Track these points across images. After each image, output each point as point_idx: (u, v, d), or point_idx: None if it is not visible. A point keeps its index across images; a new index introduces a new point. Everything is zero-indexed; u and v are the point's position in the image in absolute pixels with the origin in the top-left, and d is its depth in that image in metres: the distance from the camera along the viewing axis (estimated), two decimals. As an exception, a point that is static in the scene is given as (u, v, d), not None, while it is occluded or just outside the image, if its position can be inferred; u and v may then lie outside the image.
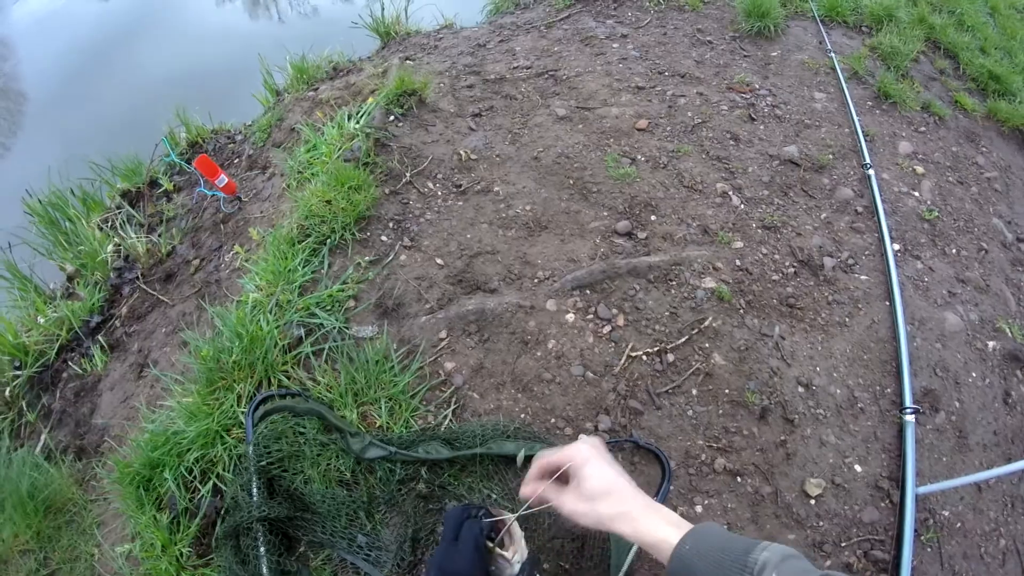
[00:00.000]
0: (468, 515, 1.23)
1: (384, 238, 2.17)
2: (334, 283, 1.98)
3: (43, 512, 1.97)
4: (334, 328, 1.86)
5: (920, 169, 2.86)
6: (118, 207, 3.04)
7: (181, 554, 1.58)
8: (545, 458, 1.08)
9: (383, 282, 2.02)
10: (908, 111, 3.18)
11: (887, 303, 2.22)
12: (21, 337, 2.52)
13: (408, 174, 2.39)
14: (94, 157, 3.29)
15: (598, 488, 1.00)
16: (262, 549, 1.45)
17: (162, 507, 1.68)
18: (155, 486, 1.69)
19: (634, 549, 1.50)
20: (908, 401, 1.93)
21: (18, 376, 2.44)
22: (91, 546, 1.85)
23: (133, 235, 2.76)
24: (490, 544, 1.17)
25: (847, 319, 2.16)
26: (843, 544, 1.65)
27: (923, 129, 3.13)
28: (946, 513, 1.78)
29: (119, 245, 2.78)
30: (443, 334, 1.89)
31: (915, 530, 1.67)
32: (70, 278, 2.91)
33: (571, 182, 2.47)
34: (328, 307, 1.92)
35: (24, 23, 6.68)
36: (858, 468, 1.80)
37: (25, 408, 2.39)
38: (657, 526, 0.92)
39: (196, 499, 1.67)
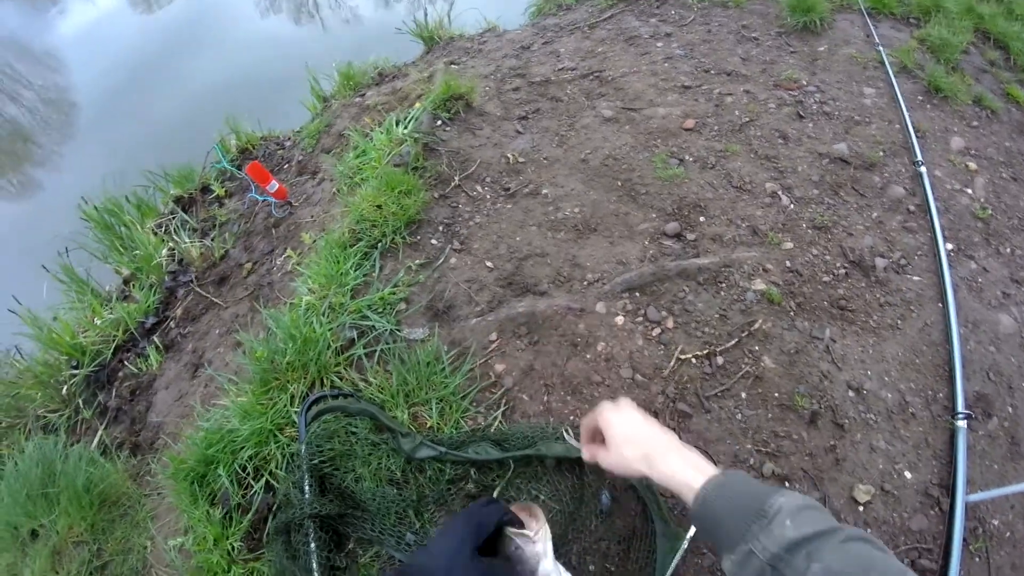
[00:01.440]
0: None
1: (434, 241, 2.19)
2: (385, 286, 2.01)
3: (98, 505, 2.03)
4: (386, 330, 1.89)
5: (973, 165, 2.77)
6: (172, 213, 3.13)
7: (232, 548, 1.63)
8: (583, 424, 1.15)
9: (434, 285, 2.04)
10: (959, 105, 3.08)
11: (940, 305, 2.16)
12: (78, 337, 2.60)
13: (457, 178, 2.41)
14: (147, 165, 3.40)
15: (621, 434, 1.05)
16: (312, 545, 1.48)
17: (215, 502, 1.72)
18: (209, 482, 1.74)
19: (680, 553, 1.49)
20: (960, 406, 1.86)
21: (75, 375, 2.52)
22: (144, 538, 1.91)
23: (187, 239, 2.84)
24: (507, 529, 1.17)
25: (899, 321, 2.10)
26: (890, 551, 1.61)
27: (975, 123, 3.03)
28: (996, 522, 1.72)
29: (173, 249, 2.86)
30: (493, 336, 1.90)
31: (964, 539, 1.62)
32: (126, 281, 3.01)
33: (619, 184, 2.46)
34: (380, 309, 1.95)
35: (71, 35, 6.94)
36: (908, 475, 1.75)
37: (82, 405, 2.47)
38: (680, 468, 0.94)
39: (248, 495, 1.70)
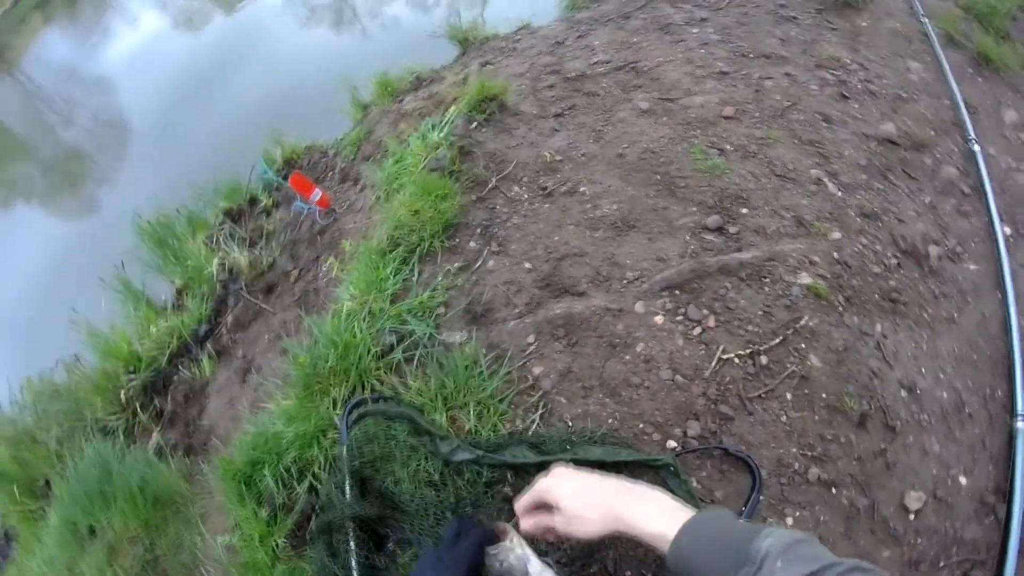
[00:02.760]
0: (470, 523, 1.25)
1: (472, 244, 2.19)
2: (424, 290, 2.03)
3: (152, 504, 2.13)
4: (425, 334, 1.91)
5: (1030, 140, 2.63)
6: (221, 224, 3.25)
7: (277, 545, 1.67)
8: (521, 502, 1.10)
9: (472, 288, 2.05)
10: (1011, 75, 2.94)
11: (998, 294, 2.06)
12: (135, 346, 2.73)
13: (493, 179, 2.40)
14: (197, 180, 3.56)
15: (579, 504, 0.98)
16: (352, 545, 1.51)
17: (261, 502, 1.78)
18: (255, 483, 1.79)
19: None
20: (1020, 406, 1.77)
21: (132, 381, 2.64)
22: (194, 536, 1.99)
23: (236, 250, 2.93)
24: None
25: (955, 314, 2.01)
26: (941, 564, 1.54)
27: (1030, 95, 2.88)
28: None
29: (223, 259, 2.96)
30: (531, 339, 1.89)
31: (1020, 550, 1.54)
32: (179, 292, 3.14)
33: (657, 178, 2.40)
34: (419, 314, 1.97)
35: (120, 58, 7.26)
36: (963, 480, 1.67)
37: (139, 410, 2.59)
38: (650, 518, 0.88)
39: (292, 496, 1.75)
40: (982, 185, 2.36)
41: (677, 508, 0.89)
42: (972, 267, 2.14)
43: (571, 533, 1.00)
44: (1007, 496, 1.63)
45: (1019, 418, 1.75)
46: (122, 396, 2.63)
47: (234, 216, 3.31)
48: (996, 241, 2.18)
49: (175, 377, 2.70)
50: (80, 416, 2.68)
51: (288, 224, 3.04)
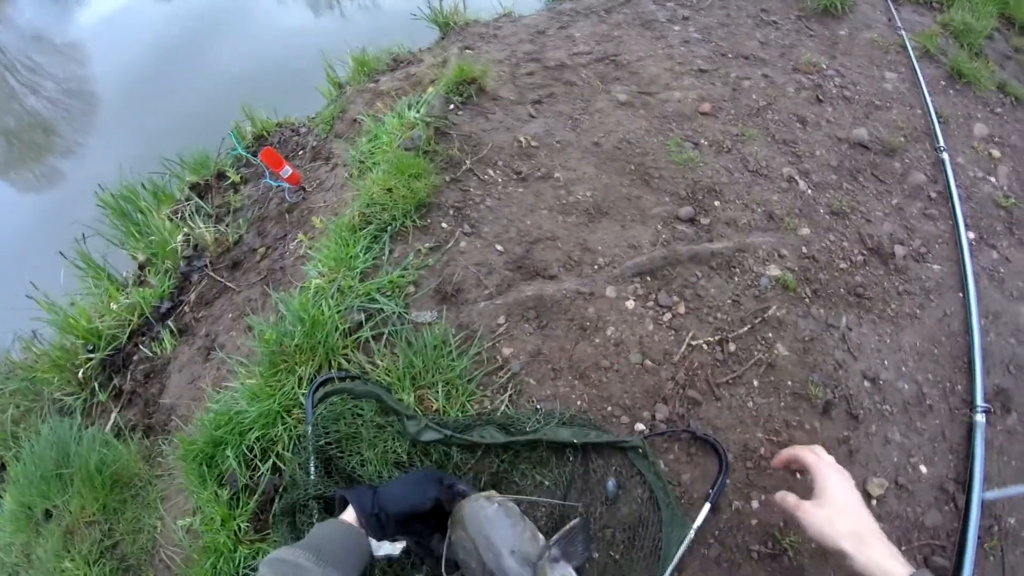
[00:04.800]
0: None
1: (444, 225, 2.17)
2: (395, 269, 2.00)
3: (110, 486, 2.06)
4: (394, 313, 1.88)
5: (996, 153, 2.71)
6: (187, 199, 3.15)
7: (239, 528, 1.63)
8: (786, 451, 1.17)
9: (443, 268, 2.03)
10: (983, 91, 3.01)
11: (960, 294, 2.11)
12: (94, 322, 2.63)
13: (468, 161, 2.38)
14: (166, 152, 3.43)
15: (842, 502, 1.06)
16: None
17: (223, 483, 1.73)
18: (217, 463, 1.74)
19: (686, 542, 1.48)
20: (979, 399, 1.82)
21: (91, 359, 2.54)
22: (154, 519, 1.93)
23: (201, 225, 2.85)
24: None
25: (918, 311, 2.06)
26: (903, 549, 1.57)
27: (999, 110, 2.96)
28: (1012, 521, 1.68)
29: (188, 235, 2.88)
30: (501, 320, 1.88)
31: (978, 537, 1.58)
32: (141, 267, 3.04)
33: (632, 168, 2.42)
34: (388, 292, 1.94)
35: (91, 26, 7.02)
36: (923, 469, 1.71)
37: (97, 389, 2.49)
38: (884, 557, 0.95)
39: (256, 477, 1.71)
40: (949, 191, 2.42)
41: (902, 557, 0.97)
42: (936, 267, 2.19)
43: (815, 524, 1.05)
44: (966, 485, 1.67)
45: (978, 411, 1.79)
46: (80, 374, 2.53)
47: (201, 191, 3.22)
48: (960, 244, 2.23)
49: (135, 355, 2.62)
50: (37, 395, 2.59)
51: (256, 200, 2.97)
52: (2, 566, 2.06)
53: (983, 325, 2.03)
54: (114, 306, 2.73)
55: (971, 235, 2.31)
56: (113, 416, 2.41)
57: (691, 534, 1.49)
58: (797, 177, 2.41)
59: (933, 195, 2.44)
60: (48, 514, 2.11)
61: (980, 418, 1.78)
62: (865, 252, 2.18)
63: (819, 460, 1.12)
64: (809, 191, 2.37)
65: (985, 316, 2.07)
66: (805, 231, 2.21)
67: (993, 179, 2.59)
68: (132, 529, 1.96)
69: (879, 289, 2.08)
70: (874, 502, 1.63)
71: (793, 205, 2.30)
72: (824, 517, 1.04)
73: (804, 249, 2.14)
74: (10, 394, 2.62)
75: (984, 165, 2.64)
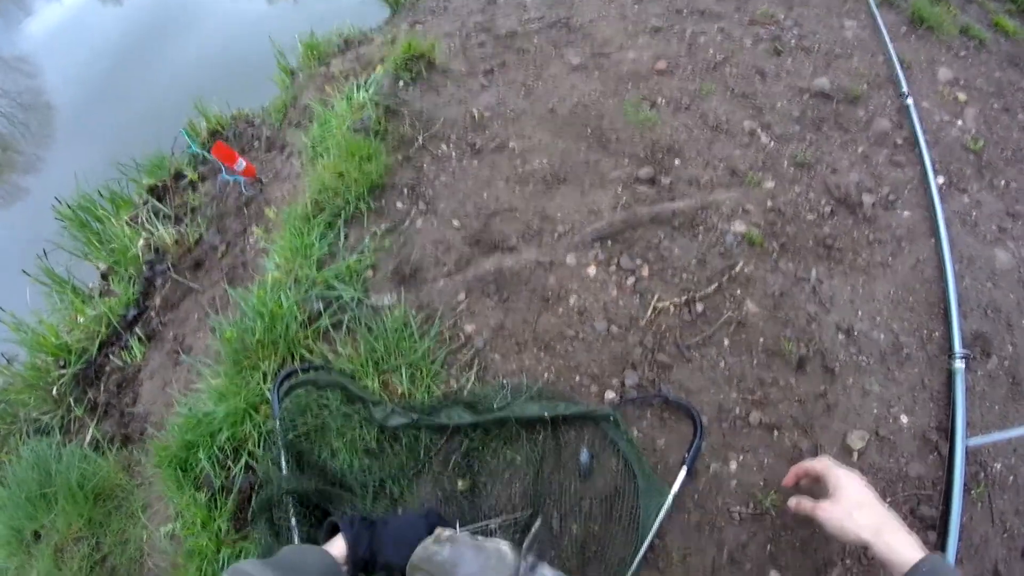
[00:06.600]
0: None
1: (399, 205, 2.12)
2: (351, 254, 1.96)
3: (93, 500, 2.05)
4: (352, 299, 1.85)
5: (962, 96, 2.66)
6: (145, 202, 3.08)
7: (220, 529, 1.62)
8: (798, 466, 1.21)
9: (400, 249, 1.99)
10: (945, 36, 2.96)
11: (932, 241, 2.08)
12: (63, 337, 2.59)
13: (420, 138, 2.33)
14: (120, 158, 3.36)
15: (857, 497, 1.10)
16: (293, 521, 1.47)
17: (199, 486, 1.71)
18: (191, 466, 1.73)
19: (664, 510, 1.46)
20: (957, 346, 1.79)
21: (63, 374, 2.51)
22: (139, 528, 1.92)
23: (161, 227, 2.79)
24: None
25: (890, 259, 2.02)
26: (888, 500, 1.56)
27: (963, 54, 2.91)
28: (998, 467, 1.66)
29: (148, 239, 2.82)
30: (462, 296, 1.85)
31: (965, 485, 1.56)
32: (104, 276, 2.98)
33: (589, 132, 2.37)
34: (346, 278, 1.90)
35: (40, 37, 6.85)
36: (904, 419, 1.69)
37: (72, 404, 2.46)
38: (904, 545, 1.00)
39: (230, 476, 1.70)
40: (916, 137, 2.38)
41: (922, 544, 1.01)
42: (906, 215, 2.15)
43: (834, 520, 1.08)
44: (949, 433, 1.65)
45: (957, 357, 1.76)
46: (54, 391, 2.50)
47: (159, 193, 3.14)
48: (930, 190, 2.19)
49: (107, 366, 2.58)
50: (14, 418, 2.55)
51: (214, 197, 2.91)
52: (-1, 593, 2.04)
53: (958, 270, 1.99)
54: (81, 319, 2.69)
55: (940, 180, 2.27)
56: (90, 430, 2.38)
57: (669, 501, 1.47)
58: (759, 130, 2.37)
59: (899, 141, 2.40)
60: (37, 535, 2.10)
61: (960, 364, 1.75)
62: (832, 203, 2.14)
63: (829, 464, 1.17)
64: (772, 144, 2.32)
65: (959, 261, 2.03)
66: (769, 185, 2.17)
67: (960, 122, 2.54)
68: (119, 541, 1.95)
69: (849, 239, 2.05)
70: (855, 456, 1.61)
71: (756, 159, 2.26)
72: (843, 512, 1.08)
73: (769, 203, 2.10)
74: (-12, 420, 2.58)
75: (951, 109, 2.60)
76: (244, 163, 2.58)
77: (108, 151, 3.64)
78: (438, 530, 1.13)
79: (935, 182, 2.22)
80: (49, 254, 3.12)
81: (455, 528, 1.15)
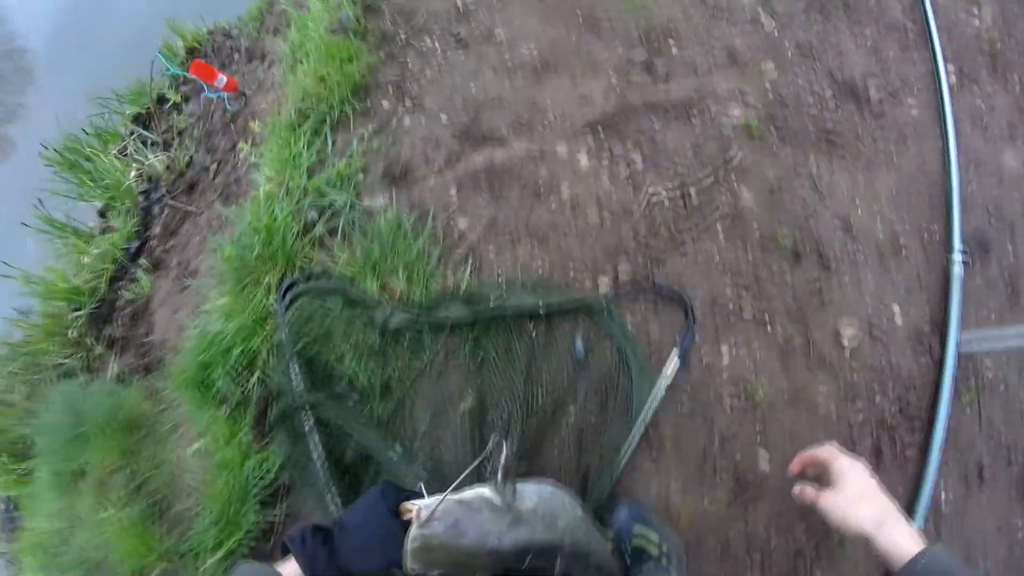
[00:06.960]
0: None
1: (385, 104, 2.07)
2: (340, 159, 1.93)
3: (124, 432, 2.09)
4: (345, 204, 1.84)
5: (981, -12, 2.50)
6: (131, 132, 3.04)
7: (243, 442, 1.68)
8: (803, 454, 1.20)
9: (389, 150, 1.95)
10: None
11: (939, 139, 1.99)
12: (72, 281, 2.62)
13: (403, 34, 2.24)
14: (100, 92, 3.29)
15: (861, 488, 1.09)
16: (307, 428, 1.56)
17: (220, 403, 1.76)
18: (209, 386, 1.77)
19: (658, 399, 1.49)
20: (957, 244, 1.75)
21: (78, 316, 2.55)
22: (170, 451, 1.98)
23: (151, 155, 2.77)
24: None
25: (893, 154, 1.95)
26: (877, 397, 1.58)
27: (987, -57, 2.73)
28: (990, 374, 1.66)
29: (140, 169, 2.79)
30: (453, 192, 1.83)
31: (955, 387, 1.57)
32: (102, 213, 2.97)
33: (580, 15, 2.24)
34: (337, 184, 1.89)
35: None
36: (898, 317, 1.68)
37: (92, 343, 2.50)
38: (904, 538, 0.99)
39: (247, 390, 1.74)
40: (928, 27, 2.24)
41: (921, 537, 1.00)
42: (913, 111, 2.06)
43: (836, 511, 1.08)
44: (942, 331, 1.65)
45: (955, 253, 1.74)
46: (72, 334, 2.55)
47: (144, 121, 3.08)
48: (940, 85, 2.09)
49: (118, 301, 2.61)
50: (39, 367, 2.61)
51: (200, 117, 2.85)
52: (58, 533, 2.12)
53: (963, 171, 1.92)
54: (86, 260, 2.71)
55: (952, 77, 2.16)
56: (112, 365, 2.43)
57: (662, 390, 1.49)
58: (762, 13, 2.24)
59: (911, 32, 2.26)
60: (79, 474, 2.17)
61: (957, 259, 1.72)
62: (837, 93, 2.05)
63: (834, 452, 1.15)
64: (775, 29, 2.21)
65: (966, 162, 1.95)
66: (771, 71, 2.08)
67: (977, 19, 2.39)
68: (153, 466, 2.01)
69: (852, 132, 1.97)
70: (847, 351, 1.62)
71: (757, 43, 2.15)
72: (845, 504, 1.07)
73: (770, 90, 2.02)
74: (16, 373, 2.64)
75: (968, 3, 2.45)
76: (224, 78, 2.51)
77: (87, 87, 3.55)
78: (414, 511, 1.00)
79: (946, 77, 2.11)
80: (44, 201, 3.10)
81: (423, 495, 1.04)
